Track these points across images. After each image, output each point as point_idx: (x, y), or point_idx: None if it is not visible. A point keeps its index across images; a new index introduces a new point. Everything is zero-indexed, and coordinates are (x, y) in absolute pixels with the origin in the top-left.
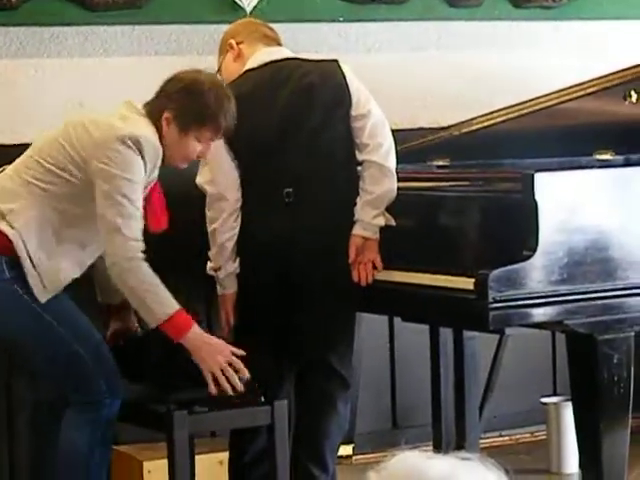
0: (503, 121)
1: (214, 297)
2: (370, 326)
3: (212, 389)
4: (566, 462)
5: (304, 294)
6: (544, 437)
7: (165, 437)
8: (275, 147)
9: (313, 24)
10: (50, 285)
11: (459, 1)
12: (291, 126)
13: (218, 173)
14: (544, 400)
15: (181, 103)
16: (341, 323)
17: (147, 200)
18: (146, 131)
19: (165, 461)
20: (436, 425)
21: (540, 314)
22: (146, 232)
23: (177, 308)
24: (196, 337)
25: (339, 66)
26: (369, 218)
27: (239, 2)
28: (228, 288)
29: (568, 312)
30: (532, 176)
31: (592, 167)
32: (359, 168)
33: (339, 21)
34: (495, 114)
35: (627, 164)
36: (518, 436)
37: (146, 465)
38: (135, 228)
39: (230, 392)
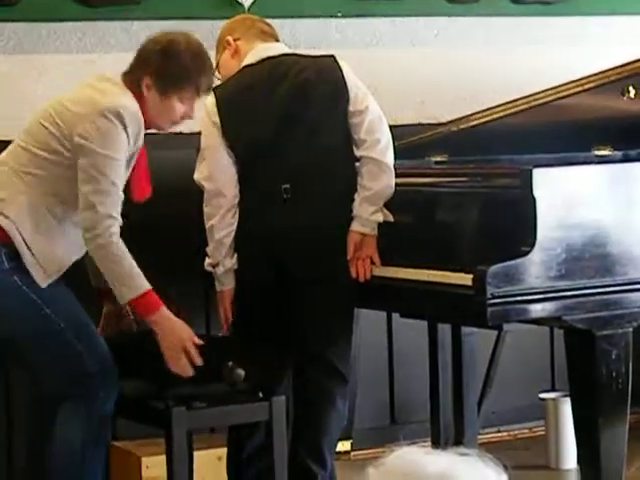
0: (501, 117)
1: (212, 293)
2: (368, 322)
3: (172, 367)
4: (564, 457)
5: (302, 290)
6: (542, 433)
7: (164, 433)
8: (273, 143)
9: (312, 19)
10: (50, 268)
11: None
12: (289, 122)
13: (216, 169)
14: (542, 396)
15: (159, 67)
16: (339, 319)
17: (134, 169)
18: (125, 101)
19: (164, 457)
20: (434, 421)
21: (538, 310)
22: (143, 225)
23: (148, 287)
24: (163, 318)
25: (336, 62)
26: (367, 214)
27: None
28: (226, 284)
29: (566, 308)
30: (530, 172)
31: (590, 163)
32: (357, 164)
33: (337, 17)
34: (493, 110)
35: (625, 160)
36: (516, 432)
37: (145, 461)
38: (110, 205)
39: (183, 374)
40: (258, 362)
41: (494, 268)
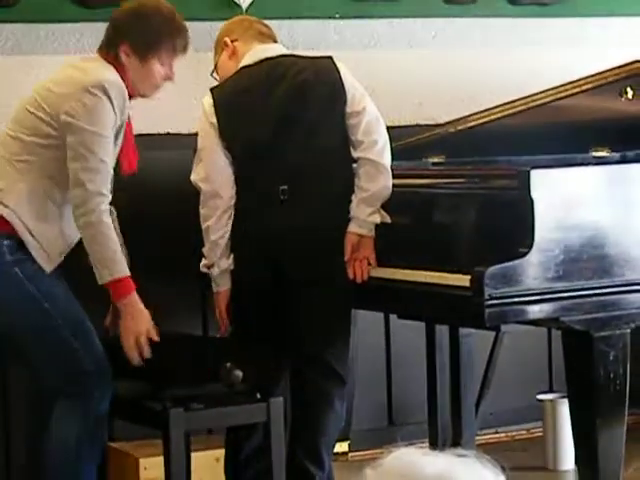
0: (499, 118)
1: (209, 295)
2: (366, 323)
3: (125, 349)
4: (562, 459)
5: (299, 291)
6: (540, 434)
7: (161, 434)
8: (270, 144)
9: (310, 21)
10: (53, 252)
11: None
12: (286, 123)
13: (212, 170)
14: (540, 397)
15: (134, 31)
16: (337, 320)
17: (122, 142)
18: (108, 74)
19: (161, 458)
20: (432, 422)
21: (536, 311)
22: (140, 226)
23: (127, 273)
24: (132, 302)
25: (334, 63)
26: (364, 216)
27: None
28: (221, 285)
29: (564, 309)
30: (528, 173)
31: (588, 164)
32: (355, 165)
33: (335, 18)
34: (491, 111)
35: (623, 161)
36: (514, 433)
37: (142, 462)
38: (99, 182)
39: (131, 361)
40: (255, 363)
41: (492, 269)
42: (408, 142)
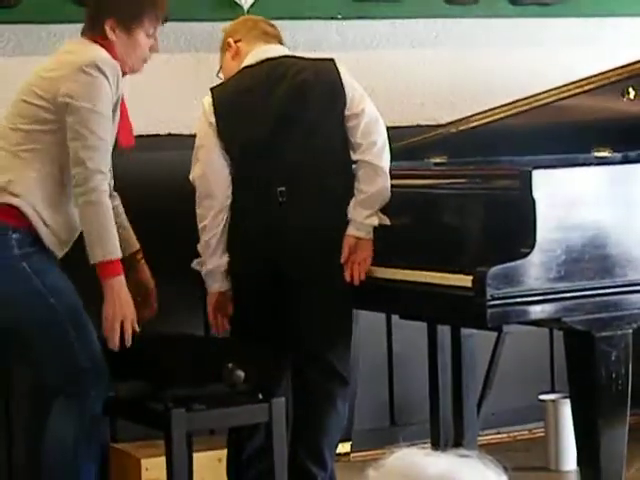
0: (501, 118)
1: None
2: (368, 323)
3: (105, 334)
4: (564, 459)
5: (298, 291)
6: (542, 434)
7: (163, 435)
8: (269, 144)
9: (311, 21)
10: (64, 236)
11: None
12: (286, 123)
13: (209, 170)
14: (542, 397)
15: (116, 6)
16: (336, 320)
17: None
18: (99, 52)
19: (163, 458)
20: (434, 422)
21: (538, 311)
22: (141, 226)
23: (119, 255)
24: (118, 285)
25: (334, 65)
26: (362, 218)
27: (237, 0)
28: (211, 286)
29: (566, 309)
30: (530, 173)
31: (590, 164)
32: (354, 167)
33: (337, 18)
34: (493, 111)
35: (625, 161)
36: (516, 433)
37: (144, 462)
38: (99, 160)
39: (113, 346)
40: (257, 363)
41: (494, 270)
42: (410, 142)
